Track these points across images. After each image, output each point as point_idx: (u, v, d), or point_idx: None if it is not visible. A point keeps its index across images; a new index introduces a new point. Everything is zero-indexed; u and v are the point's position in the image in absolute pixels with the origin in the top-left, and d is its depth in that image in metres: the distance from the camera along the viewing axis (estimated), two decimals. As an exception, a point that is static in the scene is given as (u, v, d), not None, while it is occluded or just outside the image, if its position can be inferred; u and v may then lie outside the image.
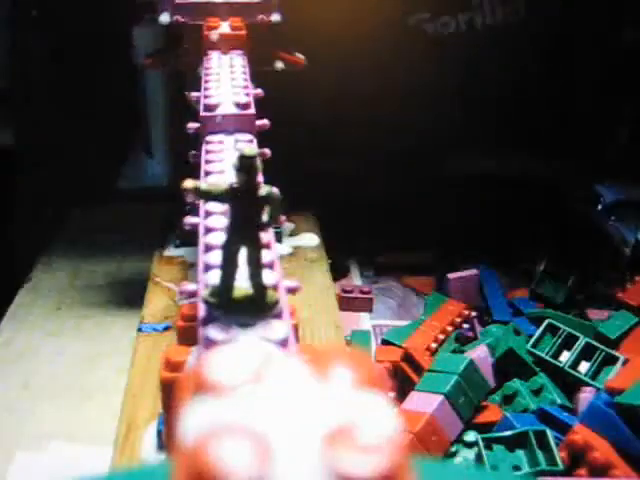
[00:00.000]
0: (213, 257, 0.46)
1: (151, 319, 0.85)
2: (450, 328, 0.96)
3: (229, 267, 0.42)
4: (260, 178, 0.42)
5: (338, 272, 1.11)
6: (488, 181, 1.40)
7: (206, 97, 0.68)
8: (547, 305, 1.06)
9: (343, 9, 1.35)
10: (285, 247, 0.94)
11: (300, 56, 0.93)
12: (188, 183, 0.42)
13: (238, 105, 0.67)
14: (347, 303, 1.03)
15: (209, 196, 0.42)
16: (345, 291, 1.05)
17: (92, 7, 1.36)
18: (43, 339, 1.00)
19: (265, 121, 0.68)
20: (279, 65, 0.91)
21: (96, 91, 1.49)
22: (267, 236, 0.47)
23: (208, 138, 0.64)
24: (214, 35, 0.85)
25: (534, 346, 0.88)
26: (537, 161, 1.44)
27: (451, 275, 1.03)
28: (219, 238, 0.46)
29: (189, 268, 0.94)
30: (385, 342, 0.93)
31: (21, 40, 1.36)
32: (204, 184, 0.42)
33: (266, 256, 0.45)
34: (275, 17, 0.90)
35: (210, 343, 0.40)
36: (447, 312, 0.99)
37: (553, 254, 1.13)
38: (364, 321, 1.04)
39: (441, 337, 0.94)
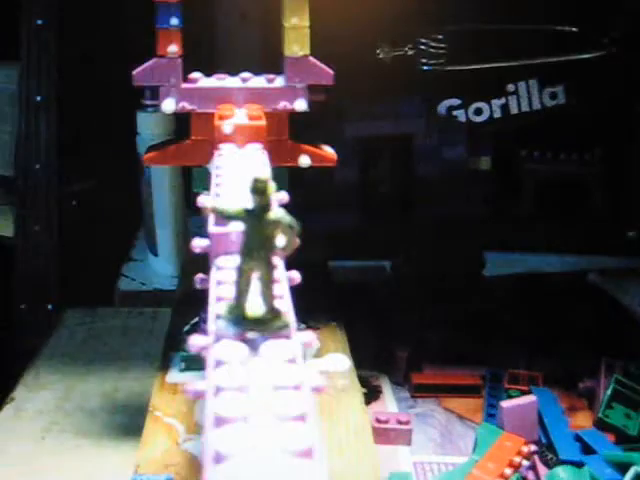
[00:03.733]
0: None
1: (148, 468, 0.69)
2: (509, 471, 0.80)
3: (241, 287, 0.45)
4: (273, 202, 0.44)
5: (368, 395, 0.95)
6: (531, 282, 1.26)
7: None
8: (618, 437, 0.90)
9: (368, 93, 1.23)
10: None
11: (330, 150, 0.79)
12: (206, 201, 0.51)
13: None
14: (382, 435, 0.87)
15: (224, 215, 0.45)
16: (379, 421, 0.89)
17: (98, 90, 1.26)
18: (22, 477, 0.85)
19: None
20: (305, 161, 0.77)
21: (99, 182, 1.38)
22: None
23: (219, 261, 0.50)
24: (227, 126, 0.72)
25: (618, 501, 0.71)
26: (586, 258, 1.30)
27: (505, 403, 0.87)
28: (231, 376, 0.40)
29: (196, 399, 0.78)
30: (432, 491, 0.77)
31: (25, 127, 1.25)
32: (220, 203, 0.46)
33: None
34: (300, 105, 0.77)
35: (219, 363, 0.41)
36: (503, 449, 0.83)
37: (619, 373, 0.98)
38: (402, 456, 0.88)
39: (499, 484, 0.78)
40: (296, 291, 0.51)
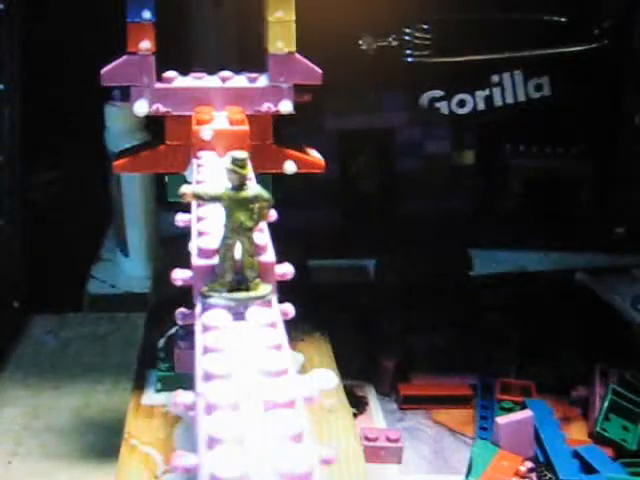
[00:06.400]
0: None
1: (124, 506, 0.64)
2: (507, 494, 0.76)
3: (226, 260, 0.47)
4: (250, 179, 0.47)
5: (354, 407, 0.90)
6: (519, 281, 1.22)
7: (201, 234, 0.48)
8: (616, 450, 0.86)
9: (349, 84, 1.17)
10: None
11: (317, 155, 0.73)
12: (185, 189, 0.48)
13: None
14: (371, 454, 0.83)
15: (205, 198, 0.48)
16: (368, 439, 0.84)
17: (65, 81, 1.19)
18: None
19: (287, 269, 0.49)
20: (291, 167, 0.71)
21: (66, 174, 1.31)
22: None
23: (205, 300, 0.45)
24: (207, 132, 0.66)
25: (625, 529, 0.67)
26: (573, 256, 1.26)
27: (501, 420, 0.83)
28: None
29: (175, 424, 0.73)
30: (427, 519, 0.73)
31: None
32: (200, 188, 0.49)
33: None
34: (285, 107, 0.71)
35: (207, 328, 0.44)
36: (500, 470, 0.79)
37: (613, 381, 0.94)
38: (392, 476, 0.83)
39: (497, 508, 0.74)
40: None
